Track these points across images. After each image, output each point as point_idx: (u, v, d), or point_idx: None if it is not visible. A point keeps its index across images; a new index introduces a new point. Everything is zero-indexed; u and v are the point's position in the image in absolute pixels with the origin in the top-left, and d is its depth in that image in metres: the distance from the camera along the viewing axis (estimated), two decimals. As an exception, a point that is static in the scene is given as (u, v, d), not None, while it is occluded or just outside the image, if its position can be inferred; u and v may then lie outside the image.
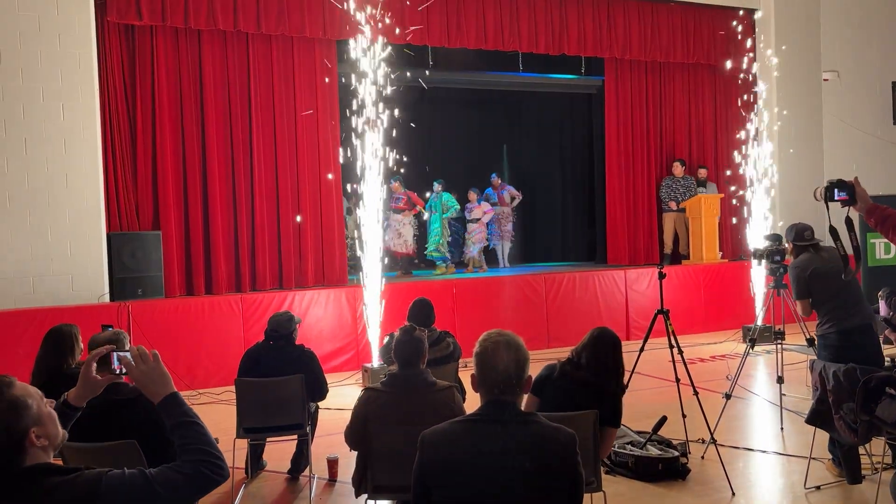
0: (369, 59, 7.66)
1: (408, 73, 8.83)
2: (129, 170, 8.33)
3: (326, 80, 9.16)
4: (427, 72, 9.86)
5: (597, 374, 3.63)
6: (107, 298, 7.74)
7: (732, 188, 10.84)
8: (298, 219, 9.03)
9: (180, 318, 7.66)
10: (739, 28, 11.07)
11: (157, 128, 8.43)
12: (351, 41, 7.80)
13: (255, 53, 8.92)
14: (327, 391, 4.82)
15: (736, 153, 10.42)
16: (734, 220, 10.05)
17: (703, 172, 11.18)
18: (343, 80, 8.49)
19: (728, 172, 10.86)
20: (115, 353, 2.04)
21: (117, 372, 2.05)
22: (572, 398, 3.54)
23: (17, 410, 1.80)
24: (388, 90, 7.77)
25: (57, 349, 4.01)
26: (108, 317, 7.09)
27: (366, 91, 7.63)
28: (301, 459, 4.96)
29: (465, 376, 3.02)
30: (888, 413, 3.28)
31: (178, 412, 1.97)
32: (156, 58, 8.40)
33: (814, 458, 4.57)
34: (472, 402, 2.47)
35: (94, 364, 2.10)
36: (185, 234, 8.61)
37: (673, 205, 11.04)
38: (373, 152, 7.63)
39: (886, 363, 4.95)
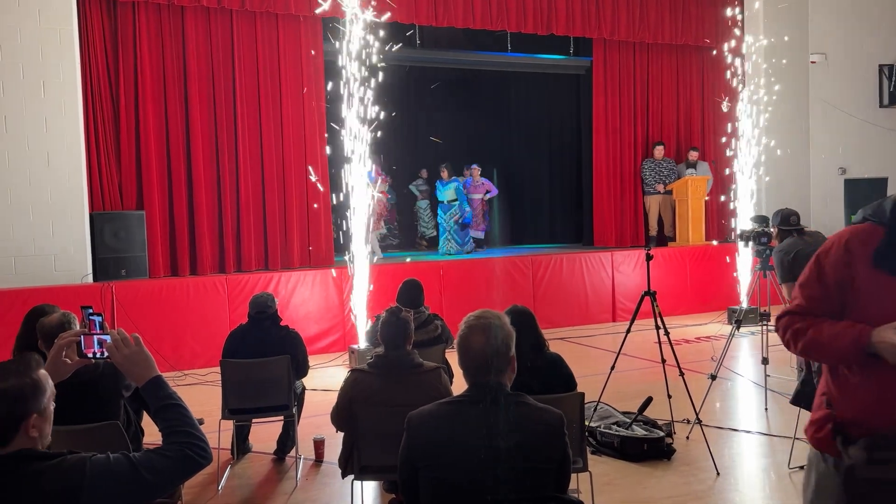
0: (355, 37, 7.53)
1: (393, 48, 8.65)
2: (111, 148, 8.21)
3: (312, 53, 9.03)
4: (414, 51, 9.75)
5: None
6: (90, 279, 7.66)
7: (714, 162, 10.85)
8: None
9: (164, 299, 7.60)
10: (727, 10, 11.02)
11: (139, 105, 8.30)
12: (337, 19, 7.68)
13: (240, 31, 8.77)
14: (306, 373, 4.84)
15: (723, 135, 10.42)
16: (722, 198, 10.04)
17: (694, 154, 11.14)
18: (328, 58, 8.37)
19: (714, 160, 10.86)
20: (95, 337, 2.01)
21: (98, 356, 2.02)
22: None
23: (35, 391, 1.80)
24: (375, 69, 7.67)
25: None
26: (91, 297, 7.02)
27: (350, 70, 7.51)
28: (287, 440, 4.94)
29: (453, 357, 3.01)
30: None
31: (161, 395, 1.96)
32: (138, 34, 8.25)
33: (797, 439, 4.61)
34: (460, 384, 2.46)
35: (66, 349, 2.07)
36: (170, 214, 8.51)
37: (660, 187, 11.04)
38: (357, 132, 7.54)
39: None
